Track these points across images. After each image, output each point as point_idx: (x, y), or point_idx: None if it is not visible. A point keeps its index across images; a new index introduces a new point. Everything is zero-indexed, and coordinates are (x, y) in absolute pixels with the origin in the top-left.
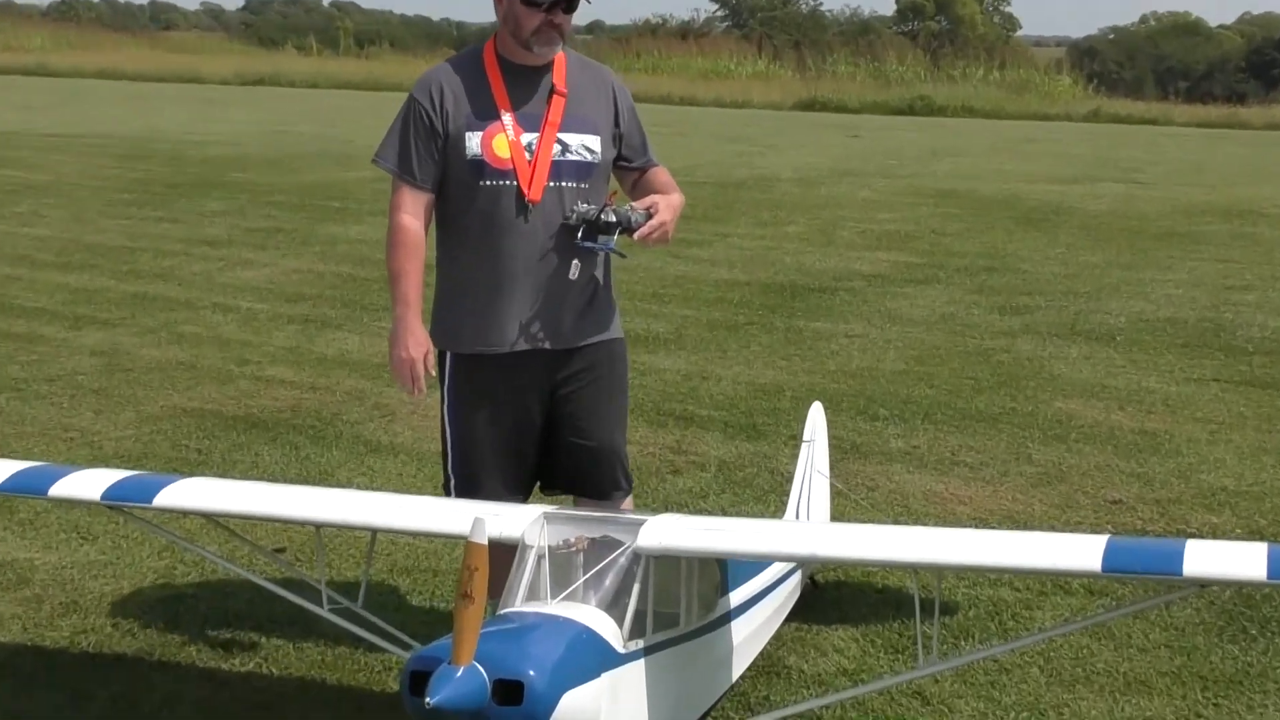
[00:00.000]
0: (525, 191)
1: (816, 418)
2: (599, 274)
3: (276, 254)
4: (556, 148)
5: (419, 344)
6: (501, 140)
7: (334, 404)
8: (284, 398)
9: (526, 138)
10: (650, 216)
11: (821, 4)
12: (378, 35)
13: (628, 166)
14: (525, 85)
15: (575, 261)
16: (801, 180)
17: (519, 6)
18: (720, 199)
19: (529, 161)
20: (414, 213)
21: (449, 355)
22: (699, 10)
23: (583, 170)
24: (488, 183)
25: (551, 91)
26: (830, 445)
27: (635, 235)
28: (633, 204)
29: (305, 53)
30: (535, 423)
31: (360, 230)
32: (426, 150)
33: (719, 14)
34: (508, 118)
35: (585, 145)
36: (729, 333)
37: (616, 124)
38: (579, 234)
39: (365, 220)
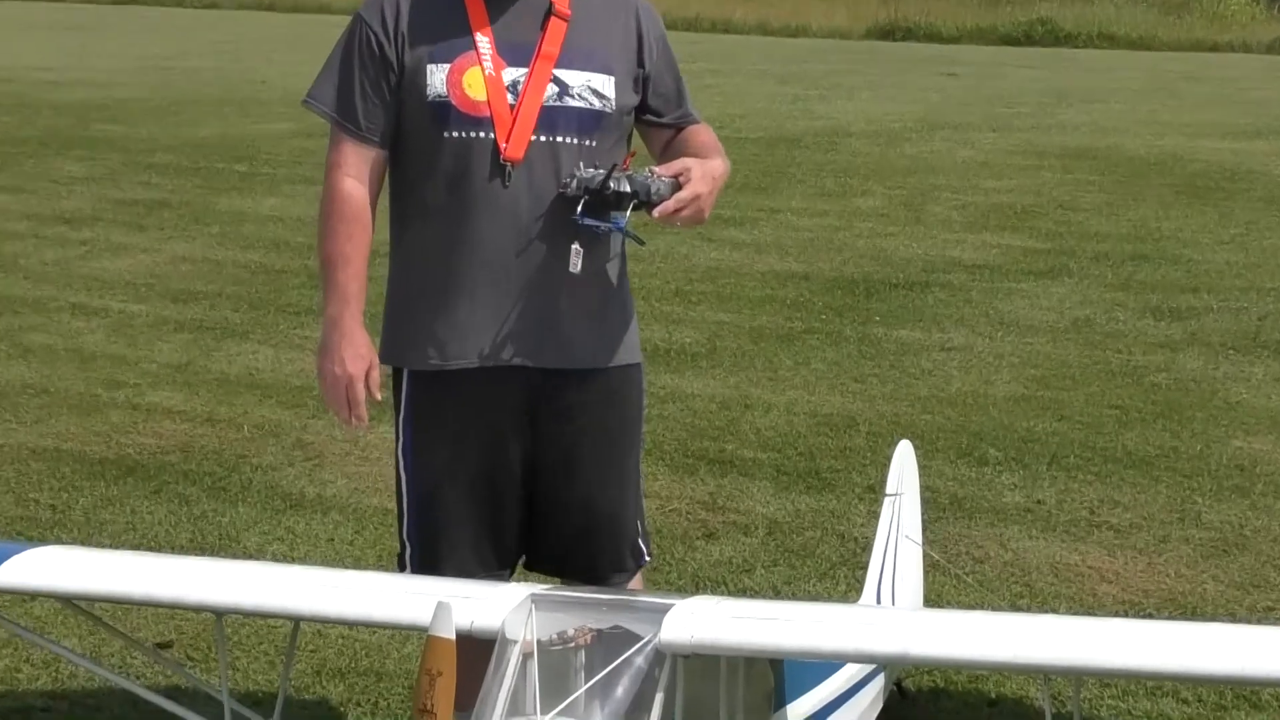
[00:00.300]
0: (501, 147)
1: (904, 462)
2: (611, 268)
3: (159, 236)
4: (552, 88)
5: (360, 356)
6: (475, 76)
7: (239, 442)
8: (171, 434)
9: (510, 73)
10: (679, 187)
11: None
12: None
13: (656, 122)
14: (511, 1)
15: (575, 247)
16: (878, 135)
17: None
18: (768, 161)
19: (511, 106)
20: (358, 175)
21: (405, 374)
22: None
23: (587, 121)
24: (454, 134)
25: (549, 12)
26: (923, 500)
27: (656, 212)
28: (654, 169)
29: None
30: (516, 471)
31: (276, 204)
32: (375, 89)
33: None
34: (485, 44)
35: (592, 87)
36: (781, 344)
37: (640, 61)
38: (579, 208)
39: (283, 190)
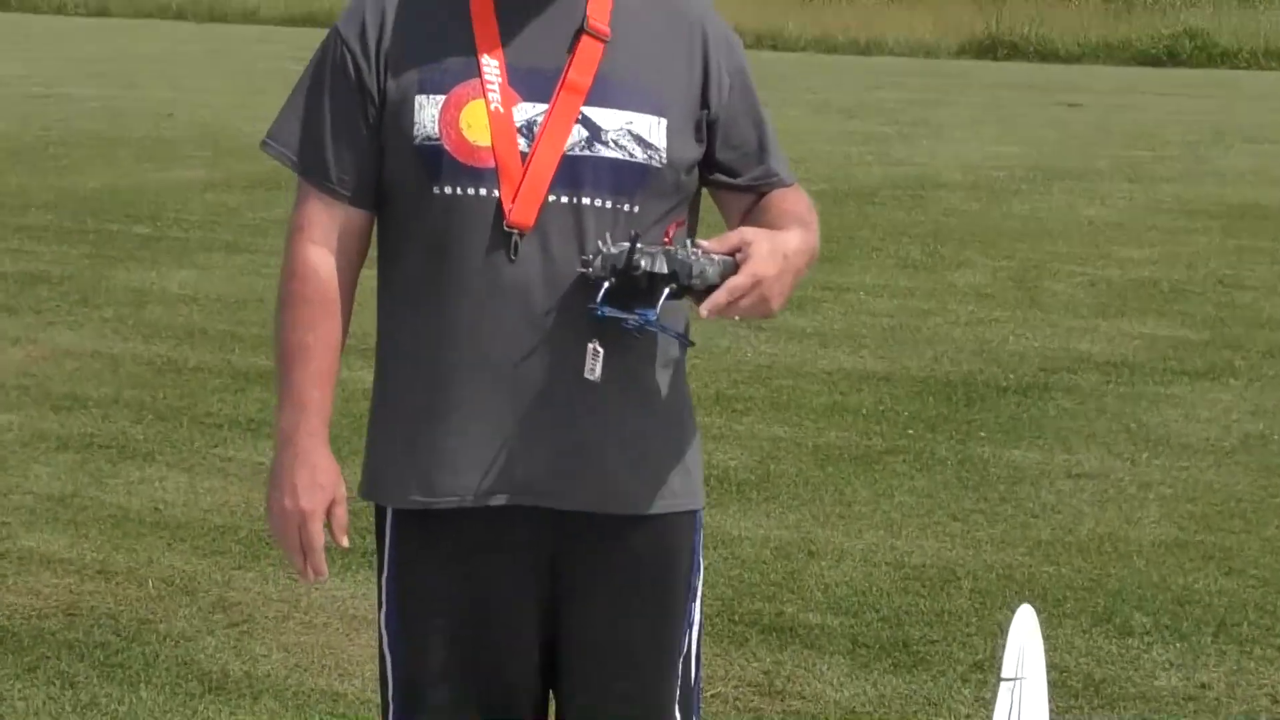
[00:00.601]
0: (507, 209)
1: (1024, 633)
2: (652, 376)
3: (34, 322)
4: (579, 132)
5: (318, 486)
6: (477, 112)
7: (141, 602)
8: (50, 591)
9: (525, 110)
10: (735, 268)
11: None
12: None
13: (727, 184)
14: (532, 14)
15: (593, 346)
16: (978, 187)
17: None
18: (834, 223)
19: (523, 154)
20: (325, 242)
21: (388, 515)
22: None
23: (626, 177)
24: (446, 189)
25: (580, 28)
26: (1052, 683)
27: (703, 307)
28: (701, 243)
29: None
30: (535, 657)
31: (189, 279)
32: (351, 128)
33: None
34: (494, 70)
35: (634, 132)
36: (855, 469)
37: (706, 100)
38: (600, 294)
39: (197, 259)
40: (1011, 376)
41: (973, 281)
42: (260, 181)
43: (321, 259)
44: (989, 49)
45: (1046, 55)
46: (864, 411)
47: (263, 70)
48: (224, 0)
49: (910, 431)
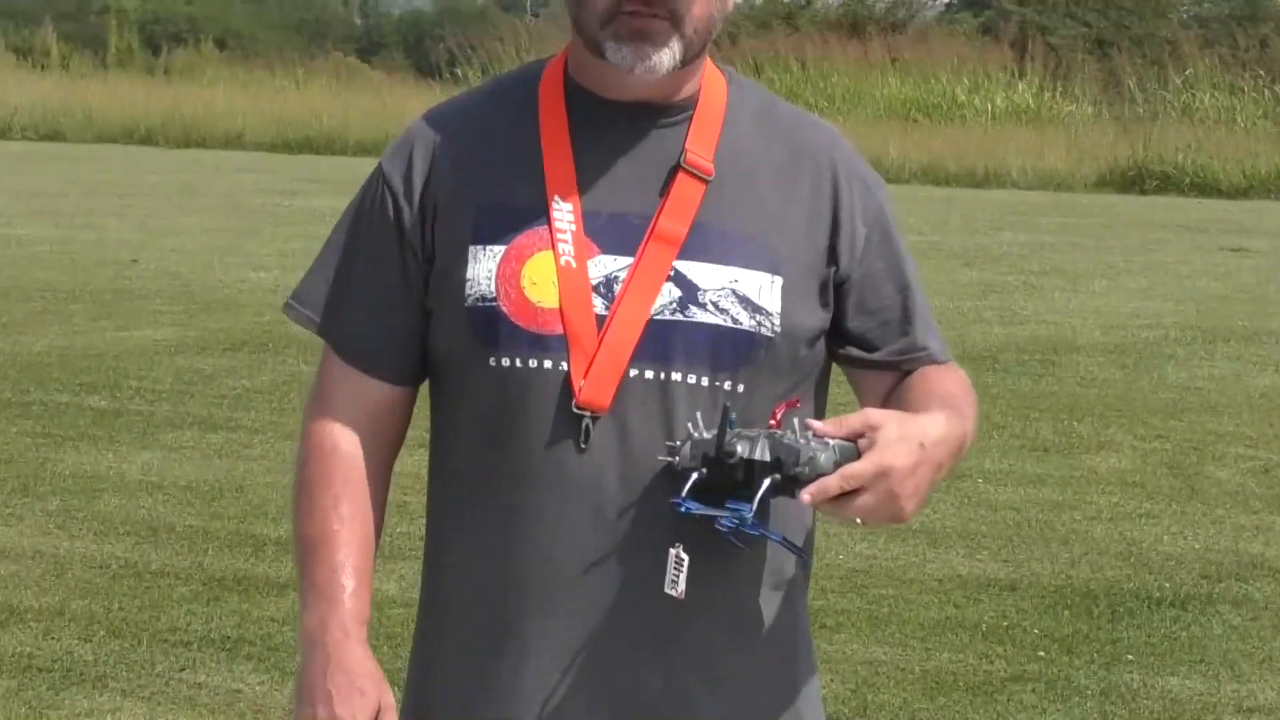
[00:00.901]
0: (576, 386)
1: None
2: (757, 594)
3: None
4: (670, 291)
5: (362, 692)
6: (544, 266)
7: None
8: None
9: (603, 264)
10: (855, 456)
11: None
12: (196, 32)
13: (862, 359)
14: (618, 147)
15: (676, 552)
16: (1122, 350)
17: None
18: None
19: (599, 319)
20: (350, 418)
21: None
22: None
23: (728, 349)
24: (504, 360)
25: (677, 165)
26: None
27: (807, 494)
28: (814, 424)
29: (34, 61)
30: None
31: (153, 463)
32: (387, 286)
33: None
34: (567, 215)
35: (741, 293)
36: (973, 699)
37: (834, 255)
38: (686, 486)
39: (163, 439)
40: (1166, 586)
41: (1117, 467)
42: (243, 342)
43: (344, 437)
44: (1135, 180)
45: (1206, 189)
46: (983, 628)
47: (248, 207)
48: (202, 121)
49: (1041, 654)
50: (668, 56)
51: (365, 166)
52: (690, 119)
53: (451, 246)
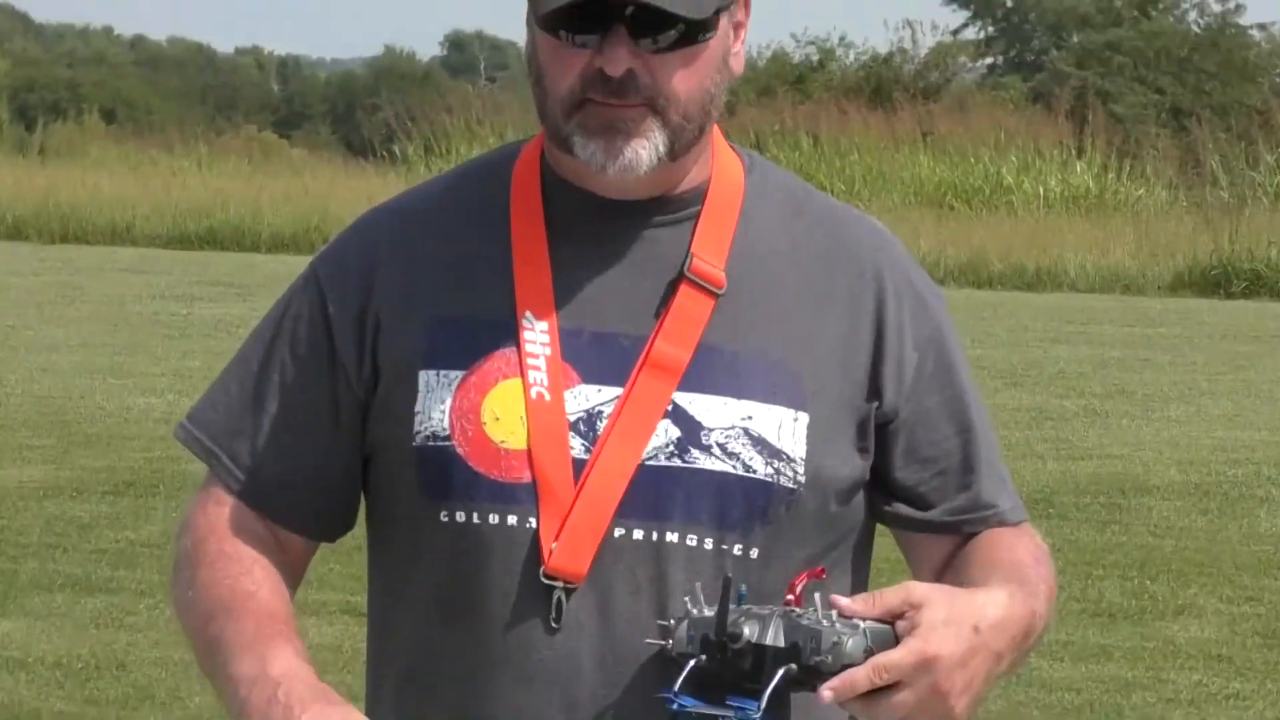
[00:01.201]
0: (546, 549)
1: None
2: None
3: None
4: (668, 431)
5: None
6: (511, 396)
7: None
8: None
9: (585, 396)
10: (892, 641)
11: (1241, 10)
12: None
13: (915, 518)
14: (605, 247)
15: None
16: (1206, 491)
17: (540, 37)
18: None
19: (578, 464)
20: (244, 536)
21: None
22: (919, 31)
23: (738, 502)
24: (459, 515)
25: (680, 274)
26: None
27: (827, 690)
28: (839, 601)
29: None
30: None
31: (16, 631)
32: (311, 420)
33: (982, 54)
34: (540, 334)
35: (755, 432)
36: None
37: (876, 386)
38: (681, 677)
39: (30, 602)
40: None
41: (1199, 637)
42: (128, 484)
43: (242, 537)
44: (1220, 281)
45: None
46: None
47: (137, 317)
48: (83, 210)
49: None
50: (647, 151)
51: (282, 266)
52: (697, 216)
53: (397, 371)
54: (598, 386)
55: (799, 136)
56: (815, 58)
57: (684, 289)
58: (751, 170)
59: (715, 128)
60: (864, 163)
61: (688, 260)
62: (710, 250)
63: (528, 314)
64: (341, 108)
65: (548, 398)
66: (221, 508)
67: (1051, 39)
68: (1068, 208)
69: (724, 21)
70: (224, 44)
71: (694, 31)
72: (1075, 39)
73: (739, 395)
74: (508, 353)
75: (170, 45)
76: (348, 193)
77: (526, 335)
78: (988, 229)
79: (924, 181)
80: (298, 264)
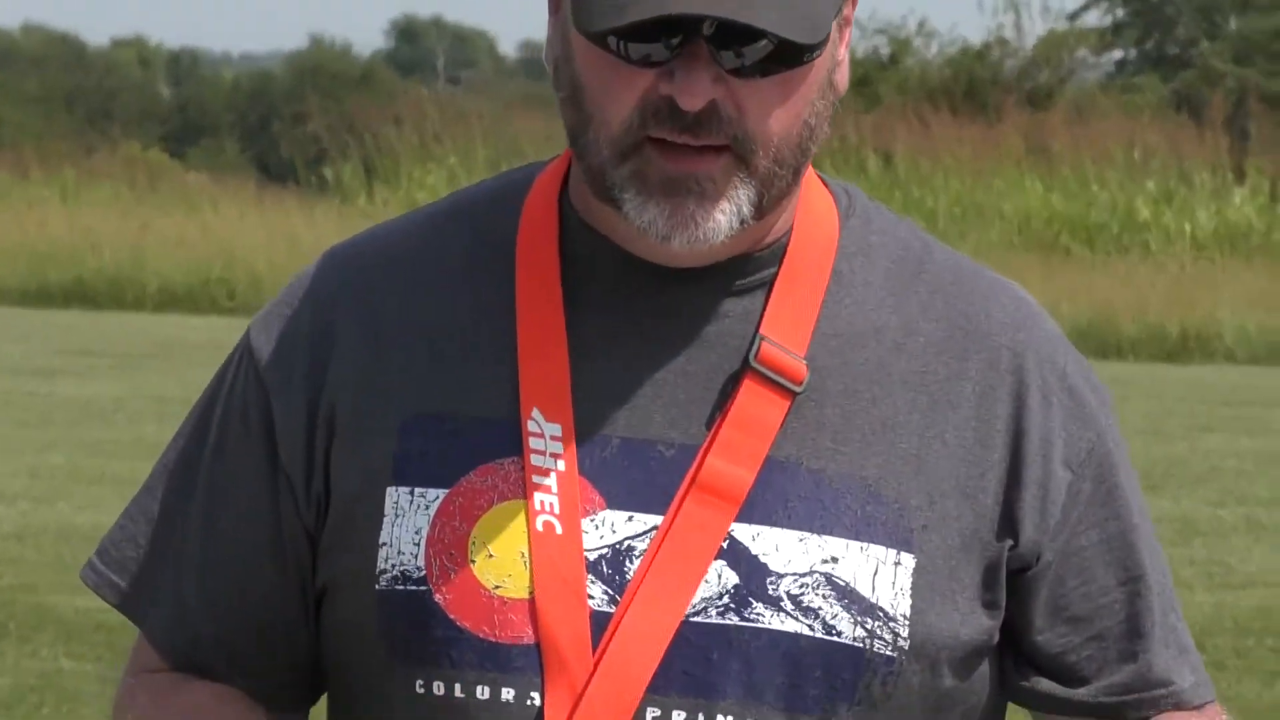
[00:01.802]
0: None
1: None
2: None
3: None
4: (722, 577)
5: None
6: (510, 524)
7: None
8: None
9: (611, 525)
10: None
11: None
12: None
13: (1065, 699)
14: (641, 321)
15: None
16: None
17: (578, 41)
18: None
19: (600, 616)
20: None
21: None
22: (1026, 15)
23: (818, 674)
24: (437, 685)
25: (744, 363)
26: None
27: None
28: None
29: None
30: None
31: None
32: (246, 549)
33: (1109, 46)
34: (551, 439)
35: (839, 579)
36: None
37: (1010, 522)
38: None
39: None
40: None
41: None
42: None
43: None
44: None
45: None
46: None
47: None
48: None
49: None
50: (727, 217)
51: (175, 330)
52: (771, 281)
53: (358, 486)
54: (628, 514)
55: (864, 155)
56: (886, 50)
57: (748, 384)
58: (850, 215)
59: None
60: (951, 190)
61: (755, 345)
62: (787, 331)
63: (536, 412)
64: (254, 118)
65: (559, 528)
66: (157, 672)
67: (1202, 25)
68: (1224, 250)
69: (832, 29)
70: (97, 35)
71: (797, 50)
72: (1233, 25)
73: (820, 530)
74: (507, 465)
75: (25, 36)
76: (262, 231)
77: (533, 441)
78: (1116, 278)
79: (1032, 215)
80: (195, 329)
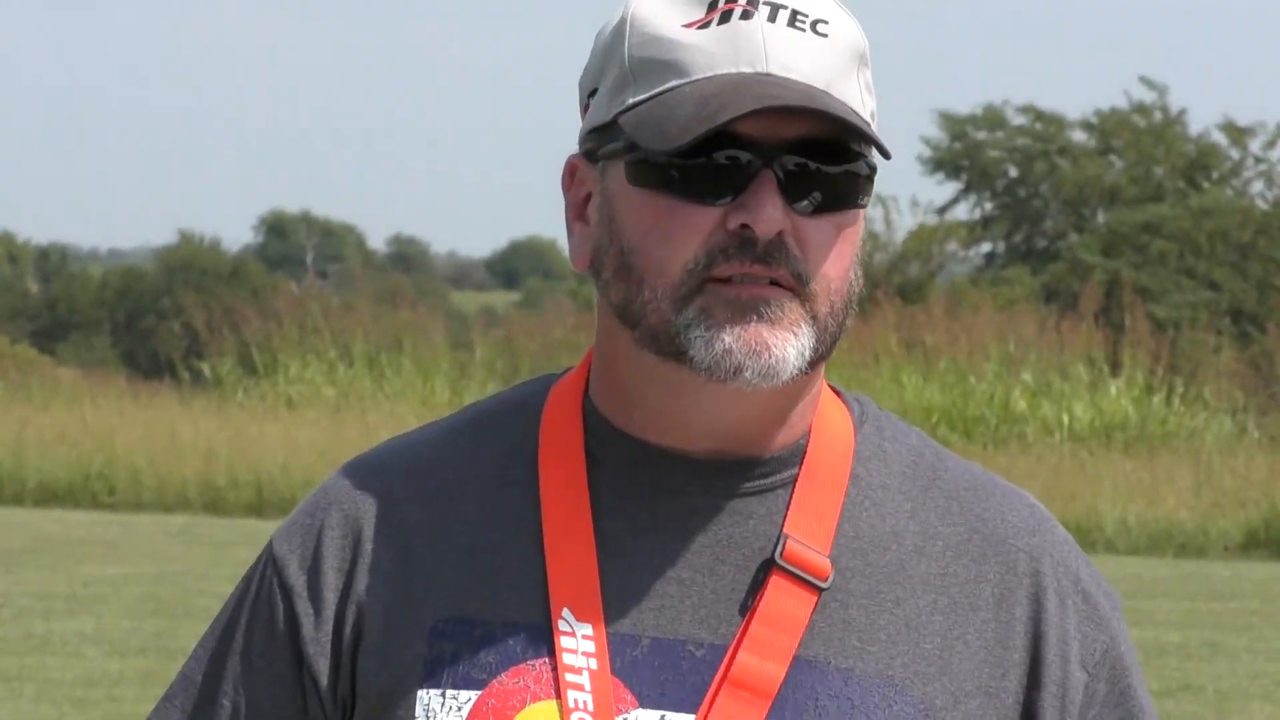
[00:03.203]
0: None
1: None
2: None
3: None
4: None
5: None
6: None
7: None
8: None
9: None
10: None
11: None
12: None
13: None
14: (669, 522)
15: None
16: None
17: (630, 202)
18: None
19: None
20: None
21: None
22: (894, 209)
23: None
24: None
25: (770, 560)
26: None
27: None
28: None
29: None
30: None
31: None
32: None
33: (978, 239)
34: (583, 639)
35: None
36: None
37: (1031, 716)
38: None
39: None
40: None
41: None
42: None
43: None
44: None
45: None
46: None
47: None
48: None
49: None
50: (795, 350)
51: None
52: (794, 482)
53: (386, 690)
54: (660, 713)
55: None
56: None
57: (775, 580)
58: (863, 421)
59: None
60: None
61: (781, 543)
62: (810, 530)
63: (566, 613)
64: (123, 314)
65: None
66: None
67: (1070, 218)
68: (1101, 442)
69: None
70: None
71: (855, 191)
72: (1101, 218)
73: (850, 713)
74: (539, 665)
75: None
76: (140, 427)
77: (565, 642)
78: (996, 470)
79: (909, 408)
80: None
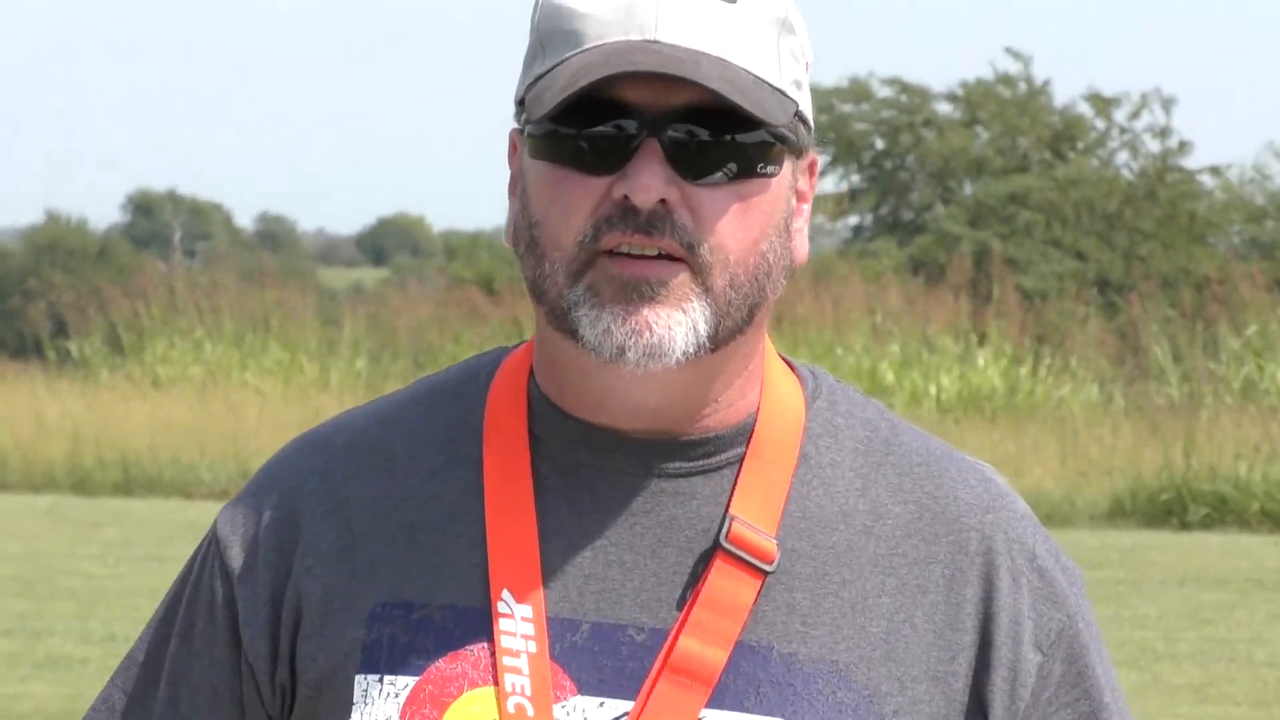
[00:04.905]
0: None
1: None
2: None
3: None
4: None
5: None
6: (480, 709)
7: None
8: None
9: (579, 711)
10: None
11: (1187, 149)
12: None
13: None
14: (610, 503)
15: None
16: None
17: (533, 173)
18: None
19: None
20: None
21: None
22: None
23: None
24: None
25: (713, 542)
26: None
27: None
28: None
29: None
30: None
31: None
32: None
33: (844, 211)
34: (522, 622)
35: None
36: None
37: (981, 704)
38: None
39: None
40: None
41: None
42: None
43: None
44: (1172, 508)
45: None
46: None
47: None
48: None
49: None
50: (682, 329)
51: None
52: (740, 461)
53: (324, 674)
54: (599, 699)
55: None
56: None
57: (719, 564)
58: (815, 396)
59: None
60: None
61: (725, 524)
62: (756, 511)
63: (506, 595)
64: None
65: (531, 710)
66: None
67: (937, 190)
68: (968, 412)
69: (787, 167)
70: None
71: (752, 158)
72: (968, 190)
73: (791, 715)
74: (478, 650)
75: None
76: (6, 407)
77: (504, 624)
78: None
79: None
80: None
